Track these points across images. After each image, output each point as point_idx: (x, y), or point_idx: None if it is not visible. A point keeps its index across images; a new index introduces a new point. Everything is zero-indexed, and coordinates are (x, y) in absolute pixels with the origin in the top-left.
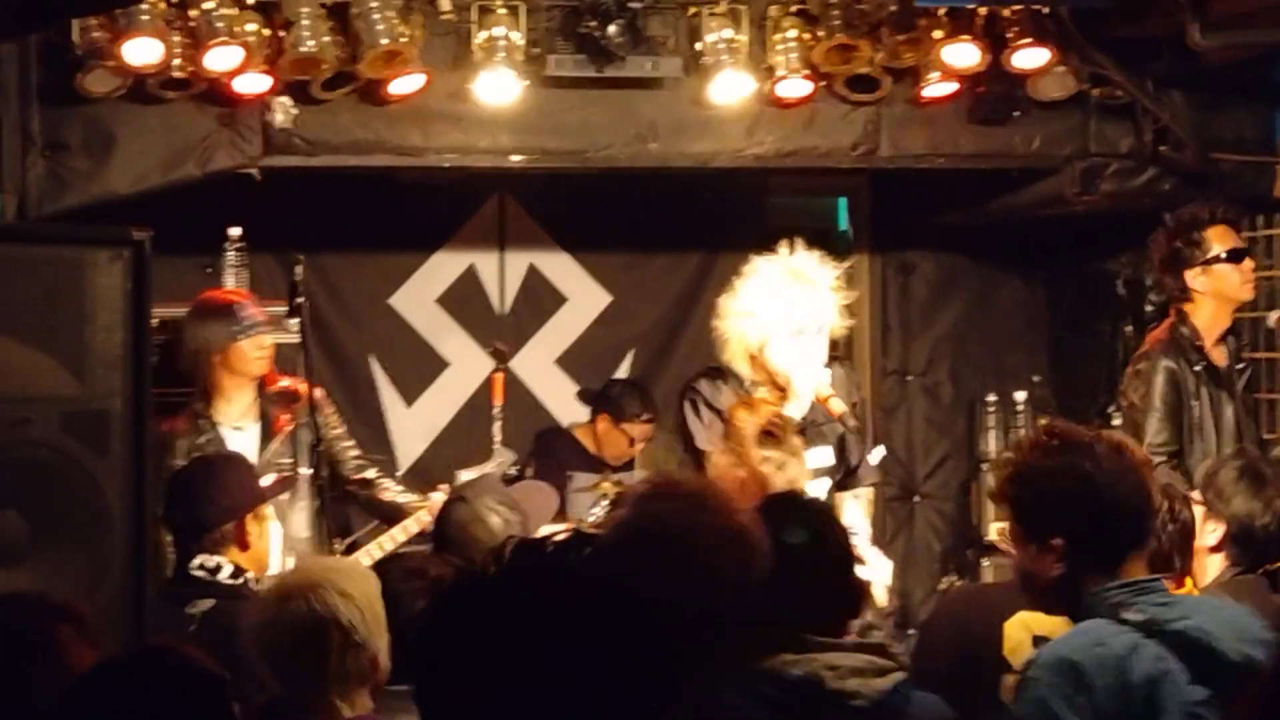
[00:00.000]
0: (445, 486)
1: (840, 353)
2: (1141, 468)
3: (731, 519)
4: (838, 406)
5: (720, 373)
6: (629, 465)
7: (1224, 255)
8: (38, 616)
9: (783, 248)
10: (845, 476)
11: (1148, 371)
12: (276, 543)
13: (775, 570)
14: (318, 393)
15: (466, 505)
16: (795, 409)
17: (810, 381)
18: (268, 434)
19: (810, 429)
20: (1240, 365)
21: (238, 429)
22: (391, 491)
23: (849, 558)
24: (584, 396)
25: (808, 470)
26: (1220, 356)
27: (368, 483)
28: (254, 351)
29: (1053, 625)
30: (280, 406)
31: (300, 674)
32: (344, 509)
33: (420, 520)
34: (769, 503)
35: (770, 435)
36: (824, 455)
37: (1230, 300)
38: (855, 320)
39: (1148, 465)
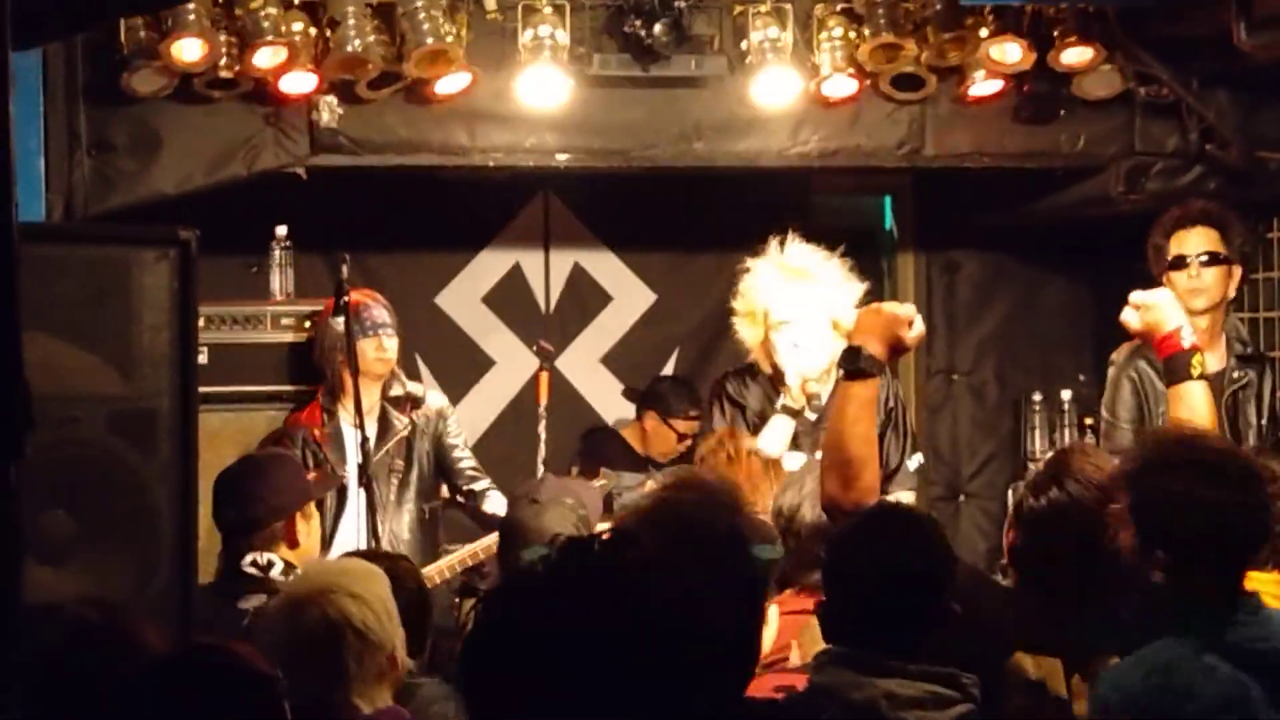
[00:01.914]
0: None
1: None
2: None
3: (743, 513)
4: (812, 388)
5: (750, 371)
6: (675, 463)
7: (1169, 261)
8: (118, 617)
9: (774, 242)
10: (887, 479)
11: (1113, 379)
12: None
13: (857, 584)
14: (443, 401)
15: (535, 505)
16: (790, 400)
17: (796, 371)
18: (385, 433)
19: (823, 423)
20: (1239, 374)
21: (357, 427)
22: (494, 504)
23: (939, 577)
24: (630, 395)
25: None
26: (1213, 361)
27: (474, 494)
28: (373, 352)
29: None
30: (402, 410)
31: (319, 679)
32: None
33: (476, 557)
34: (869, 513)
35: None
36: None
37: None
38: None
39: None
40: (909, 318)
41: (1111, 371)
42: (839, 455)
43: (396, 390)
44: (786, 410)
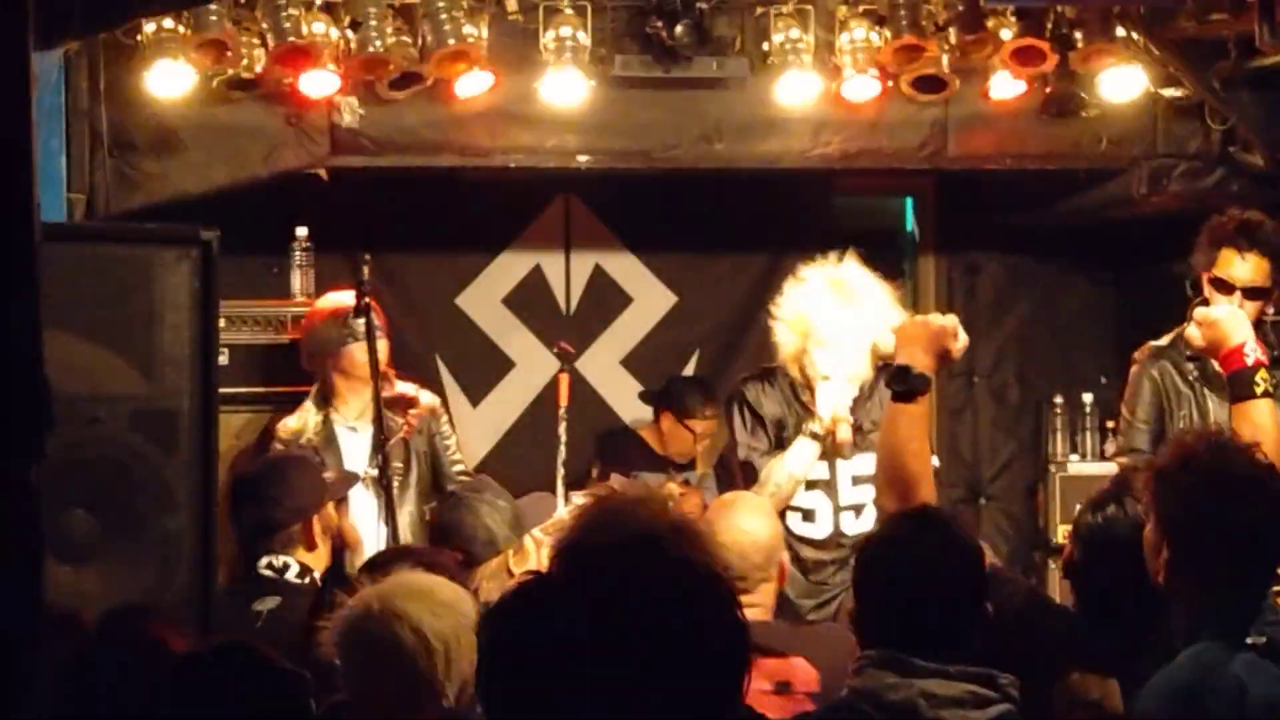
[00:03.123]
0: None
1: None
2: None
3: (672, 517)
4: (844, 434)
5: (769, 375)
6: (693, 465)
7: (1212, 279)
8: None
9: (833, 256)
10: None
11: (1134, 378)
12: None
13: (893, 588)
14: (434, 400)
15: (461, 503)
16: (817, 426)
17: (830, 400)
18: (381, 438)
19: (857, 435)
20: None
21: (352, 429)
22: None
23: (977, 581)
24: (646, 397)
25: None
26: None
27: None
28: (364, 357)
29: None
30: (396, 410)
31: (366, 686)
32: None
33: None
34: (897, 518)
35: None
36: (868, 462)
37: None
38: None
39: None
40: (954, 328)
41: (1134, 370)
42: (895, 473)
43: (388, 392)
44: (813, 435)
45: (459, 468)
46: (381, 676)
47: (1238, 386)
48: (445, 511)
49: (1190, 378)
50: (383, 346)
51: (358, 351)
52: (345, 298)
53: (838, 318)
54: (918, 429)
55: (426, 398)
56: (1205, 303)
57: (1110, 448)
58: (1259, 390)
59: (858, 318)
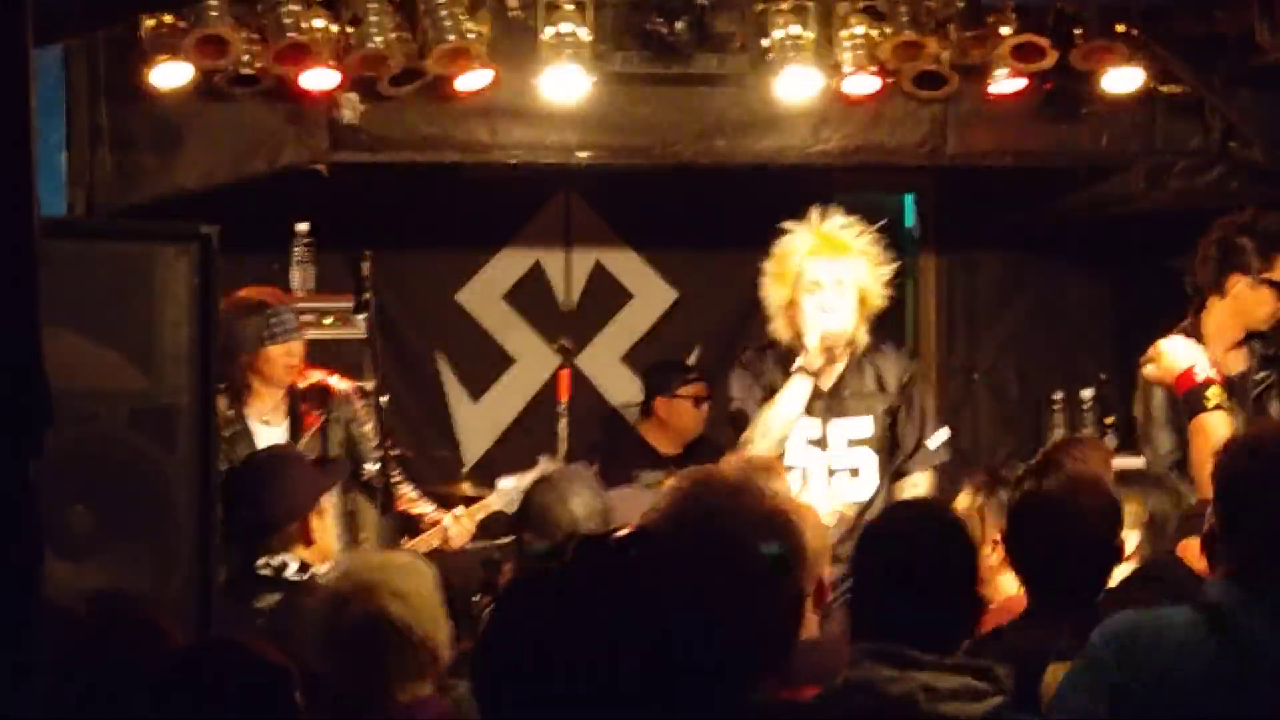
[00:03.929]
0: (461, 510)
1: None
2: None
3: (766, 503)
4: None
5: (765, 348)
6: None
7: (1273, 282)
8: (144, 607)
9: (814, 212)
10: (903, 460)
11: (1145, 382)
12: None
13: (890, 580)
14: (345, 385)
15: (552, 488)
16: (808, 361)
17: (819, 331)
18: (297, 430)
19: (845, 396)
20: (1262, 374)
21: (266, 423)
22: (406, 501)
23: (973, 572)
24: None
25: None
26: (1235, 362)
27: (385, 488)
28: (283, 358)
29: None
30: (310, 402)
31: (360, 674)
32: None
33: (429, 544)
34: (892, 510)
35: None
36: (862, 425)
37: (1248, 322)
38: (921, 316)
39: None
40: None
41: (1143, 373)
42: None
43: (303, 382)
44: (803, 371)
45: (377, 454)
46: (382, 653)
47: (1191, 403)
48: (536, 493)
49: None
50: (300, 348)
51: (276, 353)
52: (264, 293)
53: (825, 263)
54: None
55: (340, 384)
56: (1203, 306)
57: (1110, 443)
58: (1210, 404)
59: (846, 264)
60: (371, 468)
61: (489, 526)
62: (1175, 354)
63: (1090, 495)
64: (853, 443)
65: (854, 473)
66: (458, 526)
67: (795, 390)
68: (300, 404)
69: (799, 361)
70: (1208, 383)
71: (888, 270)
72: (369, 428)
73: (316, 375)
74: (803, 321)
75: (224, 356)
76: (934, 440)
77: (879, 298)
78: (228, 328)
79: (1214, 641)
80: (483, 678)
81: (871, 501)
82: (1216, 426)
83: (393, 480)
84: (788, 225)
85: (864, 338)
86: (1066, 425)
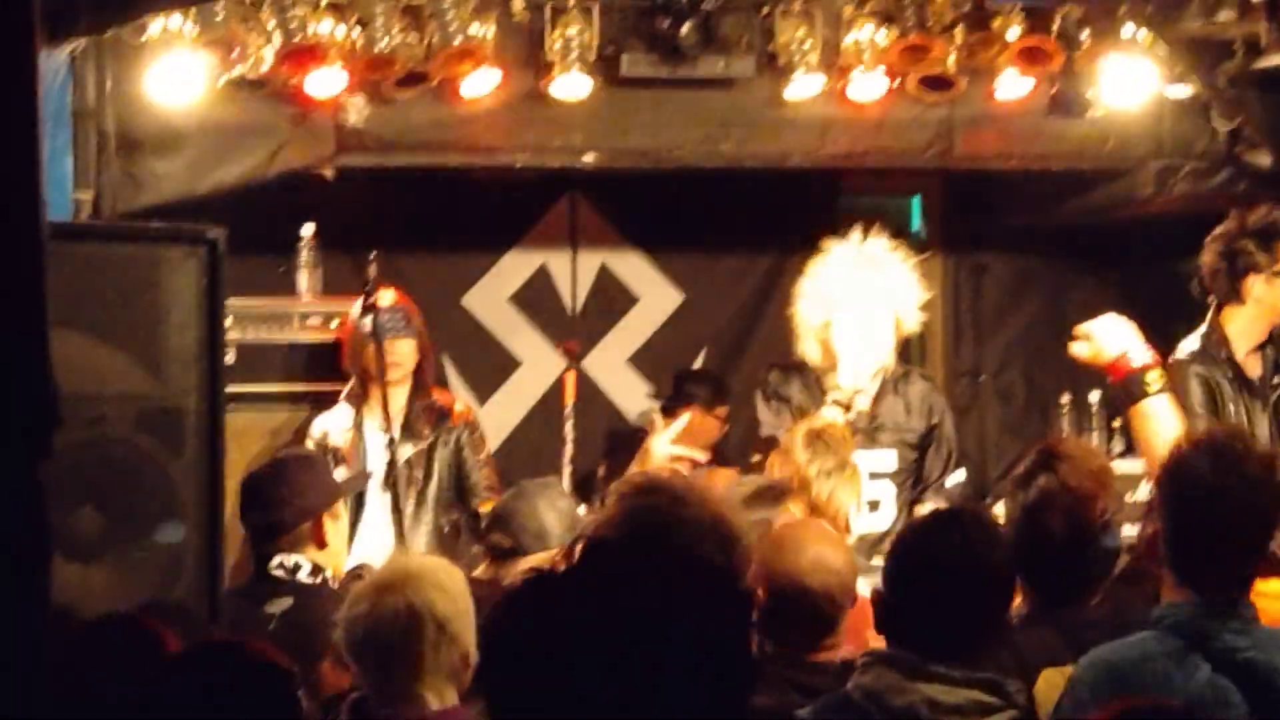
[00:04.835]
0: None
1: (911, 356)
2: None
3: (710, 510)
4: (861, 404)
5: (792, 367)
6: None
7: None
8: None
9: (855, 232)
10: (920, 490)
11: (1178, 381)
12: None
13: (911, 586)
14: (469, 411)
15: (522, 490)
16: (843, 380)
17: (853, 360)
18: (407, 442)
19: (874, 428)
20: (1278, 379)
21: (385, 431)
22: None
23: (1000, 580)
24: (660, 396)
25: (858, 480)
26: (1254, 366)
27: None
28: (387, 355)
29: None
30: (427, 420)
31: (394, 667)
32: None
33: None
34: (930, 517)
35: (819, 439)
36: (886, 458)
37: (1274, 318)
38: (928, 318)
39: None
40: None
41: (1174, 374)
42: None
43: (423, 399)
44: (837, 404)
45: (487, 482)
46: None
47: (1132, 389)
48: (506, 499)
49: (1228, 378)
50: (404, 347)
51: (384, 349)
52: (380, 295)
53: (861, 285)
54: None
55: (460, 407)
56: (1220, 310)
57: (1117, 446)
58: (1152, 389)
59: (881, 286)
60: (477, 499)
61: None
62: (1107, 335)
63: (1081, 495)
64: (874, 475)
65: (874, 505)
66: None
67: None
68: (416, 421)
69: (831, 396)
70: (1146, 367)
71: (922, 293)
72: (484, 455)
73: (440, 395)
74: (837, 345)
75: (348, 359)
76: (951, 479)
77: (912, 321)
78: (351, 328)
79: (1204, 667)
80: (487, 679)
81: (887, 533)
82: (1161, 413)
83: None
84: (827, 242)
85: (893, 361)
86: (1073, 428)
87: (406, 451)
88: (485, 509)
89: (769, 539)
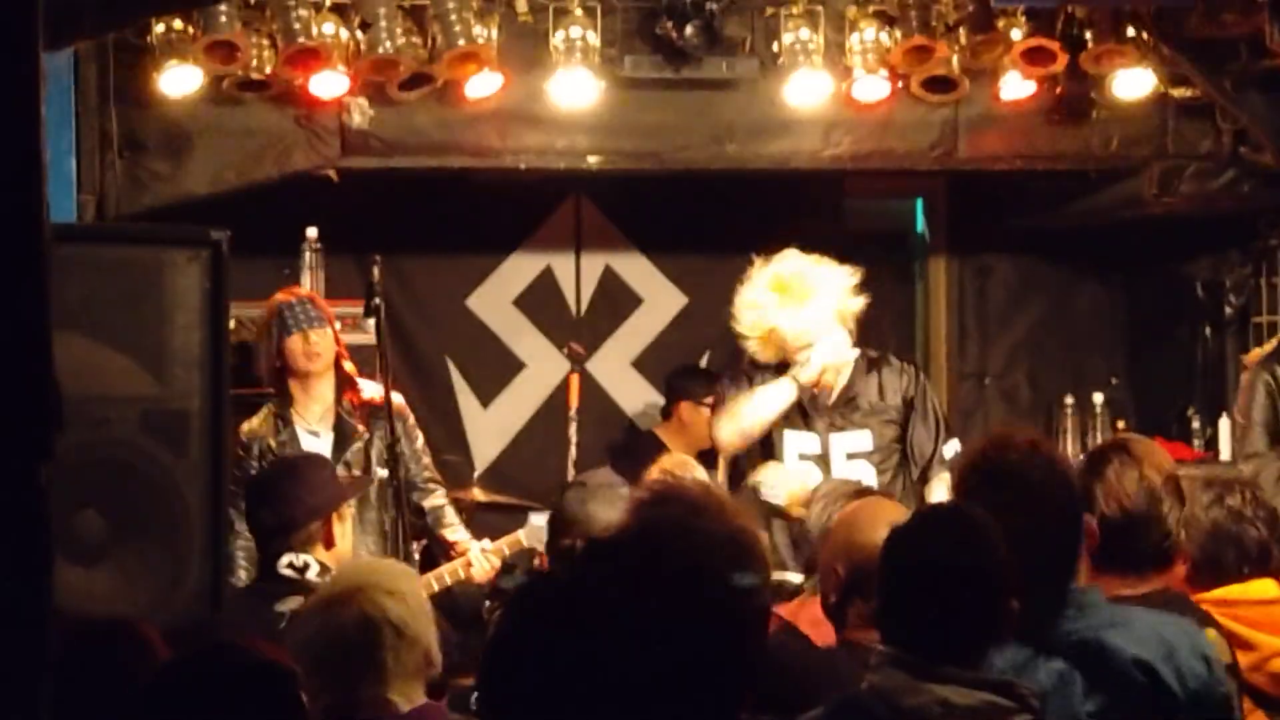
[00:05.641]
0: (489, 544)
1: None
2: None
3: (727, 522)
4: (829, 379)
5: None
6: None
7: None
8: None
9: (758, 260)
10: (924, 466)
11: (1248, 384)
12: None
13: (915, 585)
14: (398, 400)
15: (581, 491)
16: (801, 373)
17: (822, 360)
18: (342, 442)
19: (848, 410)
20: None
21: (313, 433)
22: (446, 528)
23: (1001, 581)
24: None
25: None
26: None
27: (431, 512)
28: (299, 346)
29: None
30: (360, 417)
31: (356, 676)
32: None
33: (456, 576)
34: (921, 515)
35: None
36: (861, 439)
37: None
38: (932, 320)
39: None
40: None
41: (1245, 376)
42: None
43: (352, 391)
44: (793, 379)
45: (426, 474)
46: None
47: None
48: (572, 503)
49: None
50: (322, 338)
51: (292, 344)
52: (284, 293)
53: (791, 314)
54: None
55: (392, 399)
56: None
57: None
58: None
59: (811, 306)
60: (417, 493)
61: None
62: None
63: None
64: (851, 456)
65: None
66: (483, 561)
67: (777, 390)
68: (348, 418)
69: (794, 370)
70: None
71: (852, 279)
72: (420, 443)
73: (369, 388)
74: (790, 342)
75: (265, 362)
76: (949, 449)
77: (854, 304)
78: (262, 333)
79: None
80: (489, 680)
81: None
82: None
83: (438, 505)
84: (747, 276)
85: (850, 344)
86: (1077, 430)
87: (345, 453)
88: (430, 504)
89: (842, 519)
